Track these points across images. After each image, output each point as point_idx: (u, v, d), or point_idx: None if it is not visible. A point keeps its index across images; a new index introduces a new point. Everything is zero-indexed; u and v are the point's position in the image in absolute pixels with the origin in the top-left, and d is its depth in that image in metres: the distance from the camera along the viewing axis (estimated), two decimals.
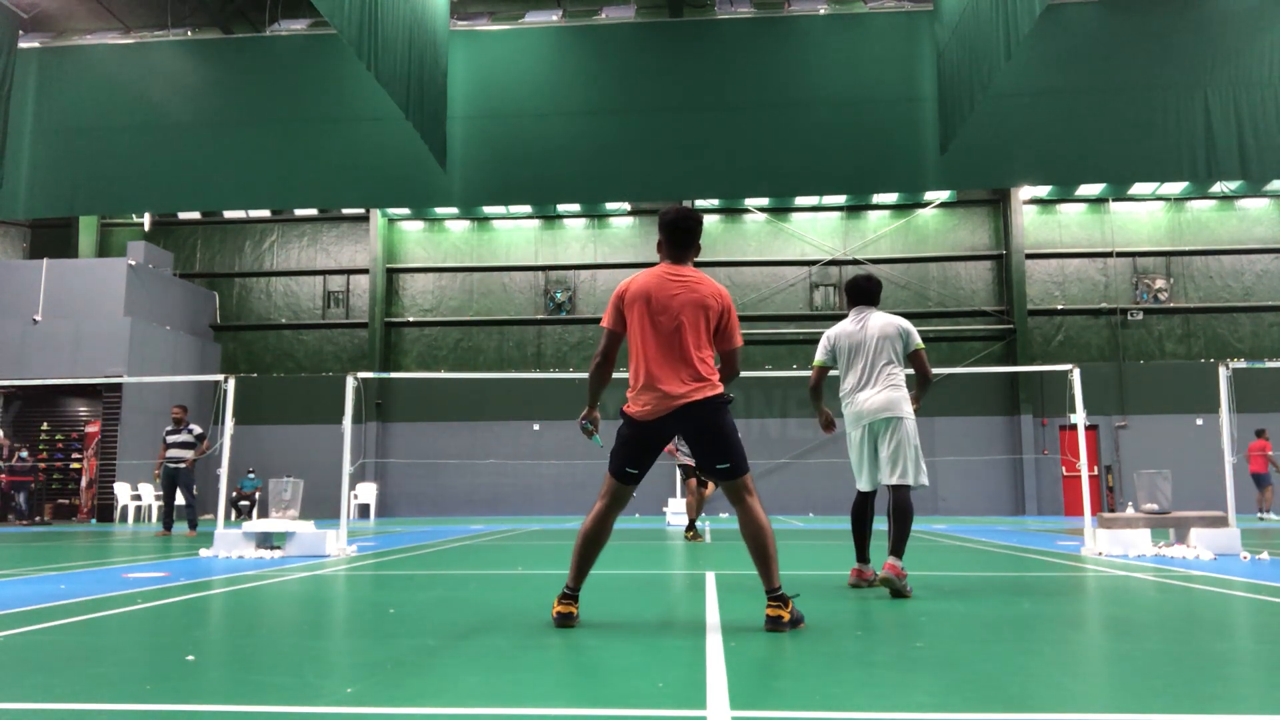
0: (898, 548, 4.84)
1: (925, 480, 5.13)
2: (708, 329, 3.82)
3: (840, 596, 4.89)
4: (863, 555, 5.34)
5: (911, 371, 5.38)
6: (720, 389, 3.82)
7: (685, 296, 3.80)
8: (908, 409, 5.12)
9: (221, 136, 16.72)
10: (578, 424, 4.23)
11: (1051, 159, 15.91)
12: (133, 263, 20.98)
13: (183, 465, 12.63)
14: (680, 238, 3.92)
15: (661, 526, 14.83)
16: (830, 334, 5.38)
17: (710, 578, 5.89)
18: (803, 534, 12.26)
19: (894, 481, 5.02)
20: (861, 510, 5.34)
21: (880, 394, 5.08)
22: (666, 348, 3.79)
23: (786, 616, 3.62)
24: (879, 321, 5.21)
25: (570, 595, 3.81)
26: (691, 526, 10.88)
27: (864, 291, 5.35)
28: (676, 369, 3.77)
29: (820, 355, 5.39)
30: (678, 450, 10.65)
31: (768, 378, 21.78)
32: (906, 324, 5.24)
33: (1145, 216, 22.53)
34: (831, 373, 5.41)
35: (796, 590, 4.02)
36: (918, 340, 5.21)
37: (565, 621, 3.76)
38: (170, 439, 12.78)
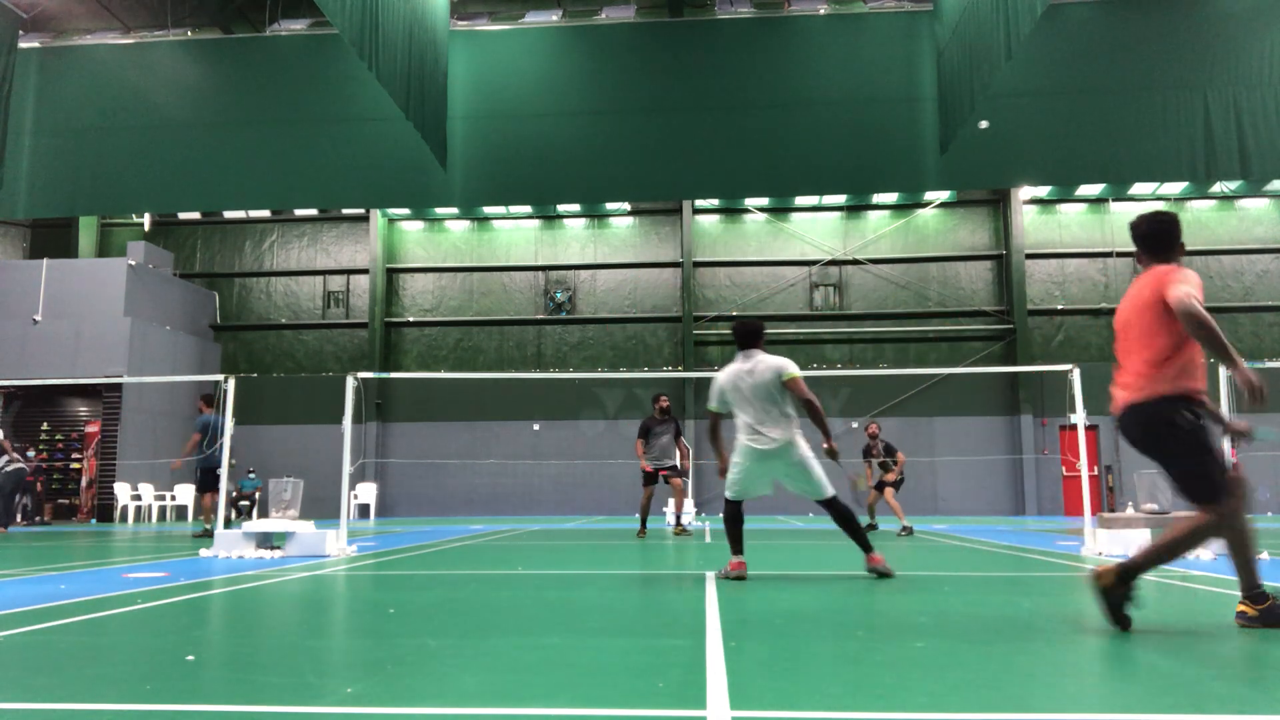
0: (866, 544, 5.86)
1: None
2: (1153, 320, 3.65)
3: (840, 596, 4.89)
4: (739, 549, 5.90)
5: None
6: (1160, 393, 3.57)
7: (1133, 298, 3.80)
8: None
9: (221, 136, 16.70)
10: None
11: (1051, 159, 15.90)
12: (133, 263, 20.98)
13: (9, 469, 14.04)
14: (1151, 242, 3.91)
15: (661, 526, 14.83)
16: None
17: (710, 577, 5.89)
18: (803, 534, 12.26)
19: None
20: (736, 513, 5.99)
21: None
22: (1122, 352, 3.83)
23: (1253, 612, 3.53)
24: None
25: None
26: (644, 526, 11.59)
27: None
28: (1122, 371, 3.80)
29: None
30: (645, 455, 11.47)
31: None
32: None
33: None
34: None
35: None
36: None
37: None
38: None
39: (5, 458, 14.41)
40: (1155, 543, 3.63)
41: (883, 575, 5.74)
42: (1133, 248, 4.03)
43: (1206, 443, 3.51)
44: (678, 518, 11.97)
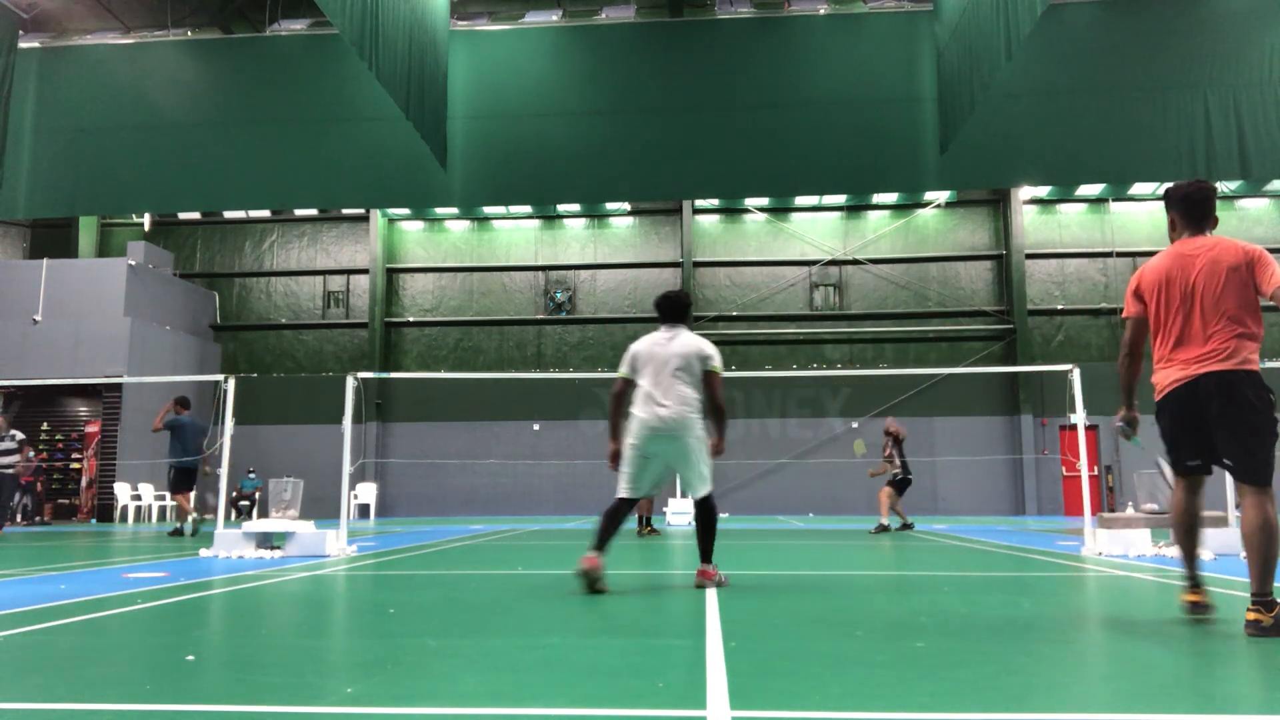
0: (707, 554, 5.34)
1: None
2: (1236, 290, 3.60)
3: (840, 596, 4.88)
4: (601, 547, 5.17)
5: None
6: (1253, 367, 3.51)
7: (1210, 261, 3.66)
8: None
9: (221, 136, 16.70)
10: (1113, 426, 3.98)
11: (1051, 159, 15.89)
12: (133, 263, 20.98)
13: (9, 471, 13.73)
14: (1192, 207, 3.82)
15: (660, 526, 14.83)
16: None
17: None
18: (803, 534, 12.26)
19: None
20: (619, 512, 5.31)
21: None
22: (1186, 320, 3.69)
23: (1268, 621, 3.41)
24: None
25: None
26: (642, 524, 11.67)
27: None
28: (1194, 338, 3.67)
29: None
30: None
31: (767, 378, 21.76)
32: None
33: (1145, 216, 22.53)
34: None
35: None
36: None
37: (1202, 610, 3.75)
38: None
39: (16, 457, 14.42)
40: (1258, 557, 3.47)
41: (708, 585, 5.26)
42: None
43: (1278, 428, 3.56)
44: (648, 519, 12.07)
